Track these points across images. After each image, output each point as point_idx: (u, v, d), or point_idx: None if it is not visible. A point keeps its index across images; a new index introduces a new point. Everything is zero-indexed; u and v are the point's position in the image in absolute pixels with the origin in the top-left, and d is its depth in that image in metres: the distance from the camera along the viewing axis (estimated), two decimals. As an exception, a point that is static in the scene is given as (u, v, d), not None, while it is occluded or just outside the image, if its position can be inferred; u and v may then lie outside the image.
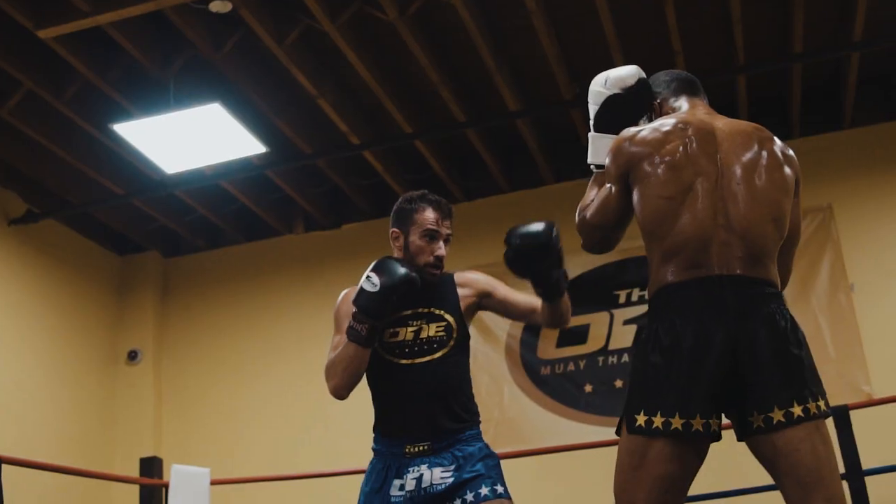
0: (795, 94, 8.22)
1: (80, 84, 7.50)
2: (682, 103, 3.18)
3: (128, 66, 7.42)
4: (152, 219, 9.68)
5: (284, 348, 9.69)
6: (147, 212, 9.40)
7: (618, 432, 2.87)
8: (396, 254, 3.67)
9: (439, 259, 3.59)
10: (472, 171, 9.53)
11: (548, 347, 8.94)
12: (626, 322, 8.81)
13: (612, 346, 8.78)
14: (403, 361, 3.52)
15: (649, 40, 7.79)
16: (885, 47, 8.14)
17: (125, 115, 7.59)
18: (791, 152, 3.01)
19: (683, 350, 2.70)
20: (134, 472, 7.72)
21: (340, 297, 3.77)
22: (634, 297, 8.84)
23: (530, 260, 3.40)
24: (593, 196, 3.08)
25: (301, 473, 8.43)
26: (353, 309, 3.47)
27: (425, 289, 3.56)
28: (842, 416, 5.92)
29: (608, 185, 3.00)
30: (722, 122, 3.00)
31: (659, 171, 2.86)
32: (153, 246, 10.20)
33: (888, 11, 7.72)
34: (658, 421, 2.71)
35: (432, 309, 3.59)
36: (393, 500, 3.42)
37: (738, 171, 2.86)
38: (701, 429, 2.70)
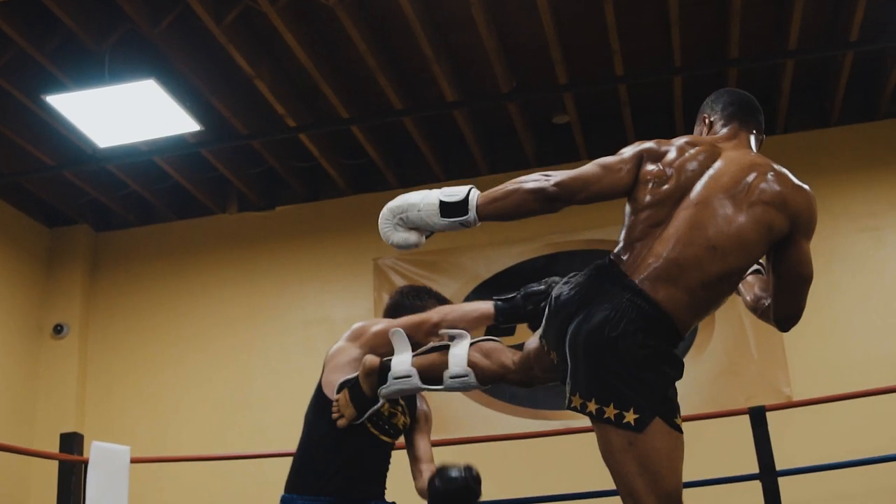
0: (730, 98, 8.29)
1: (14, 53, 7.40)
2: (725, 130, 3.21)
3: (63, 37, 7.32)
4: (84, 192, 9.57)
5: (212, 328, 9.65)
6: (79, 185, 9.30)
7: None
8: None
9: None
10: (408, 160, 9.55)
11: (475, 337, 8.95)
12: (555, 315, 8.85)
13: (540, 339, 8.81)
14: (374, 432, 3.71)
15: (588, 38, 7.84)
16: (819, 56, 8.27)
17: (59, 86, 7.50)
18: (800, 196, 3.00)
19: (561, 292, 3.06)
20: (55, 447, 7.64)
21: None
22: (563, 291, 8.88)
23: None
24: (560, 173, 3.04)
25: (223, 454, 8.41)
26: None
27: None
28: (758, 416, 6.02)
29: (613, 159, 3.08)
30: (732, 153, 3.06)
31: (650, 181, 3.00)
32: (84, 219, 10.09)
33: (824, 20, 7.84)
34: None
35: (407, 406, 3.88)
36: None
37: (709, 195, 2.93)
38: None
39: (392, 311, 3.93)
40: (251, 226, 9.94)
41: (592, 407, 2.77)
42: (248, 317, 9.55)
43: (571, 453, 8.19)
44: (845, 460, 6.72)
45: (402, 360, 3.27)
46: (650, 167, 3.00)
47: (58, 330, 9.76)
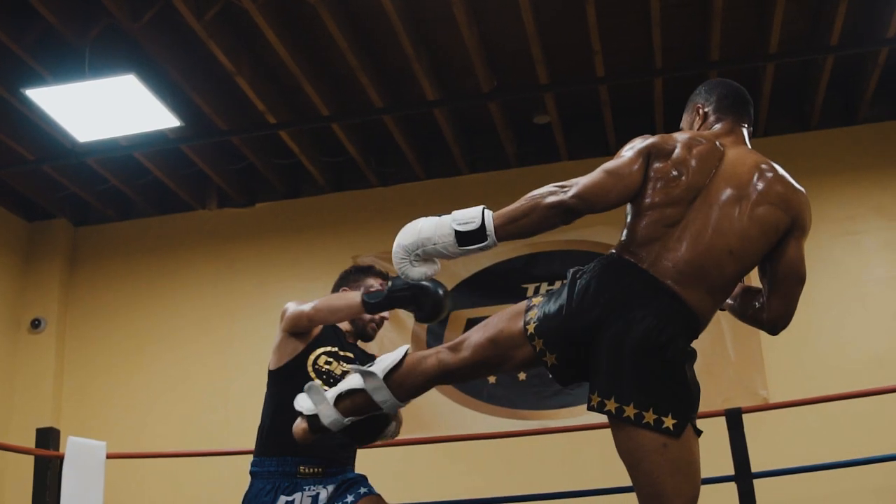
0: (710, 100, 8.32)
1: (-6, 47, 7.38)
2: (721, 124, 3.23)
3: (44, 31, 7.29)
4: (63, 186, 9.53)
5: (190, 325, 9.62)
6: (58, 179, 9.25)
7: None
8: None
9: (382, 321, 4.10)
10: (388, 158, 9.54)
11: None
12: (533, 315, 8.87)
13: (517, 339, 8.82)
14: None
15: (569, 38, 7.85)
16: (799, 60, 8.31)
17: (39, 80, 7.46)
18: (801, 197, 3.10)
19: (578, 288, 2.99)
20: (30, 442, 7.60)
21: None
22: (542, 291, 8.91)
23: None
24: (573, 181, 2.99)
25: (199, 451, 8.39)
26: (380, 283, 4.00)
27: (359, 349, 4.12)
28: (734, 418, 6.04)
29: (625, 159, 3.01)
30: (735, 151, 3.09)
31: (660, 179, 2.96)
32: (63, 214, 10.04)
33: (805, 24, 7.88)
34: (537, 343, 2.93)
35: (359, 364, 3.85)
36: None
37: (721, 197, 2.97)
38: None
39: (335, 287, 4.18)
40: (231, 222, 9.92)
41: (630, 412, 2.76)
42: (228, 313, 9.53)
43: (548, 453, 8.23)
44: (821, 463, 6.75)
45: (328, 415, 3.16)
46: (658, 165, 2.98)
47: (35, 324, 9.71)
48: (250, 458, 3.93)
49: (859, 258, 8.58)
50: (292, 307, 3.90)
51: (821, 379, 7.99)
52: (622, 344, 2.79)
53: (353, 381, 3.12)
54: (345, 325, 4.07)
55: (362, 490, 3.78)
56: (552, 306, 2.94)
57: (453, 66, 8.21)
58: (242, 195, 9.84)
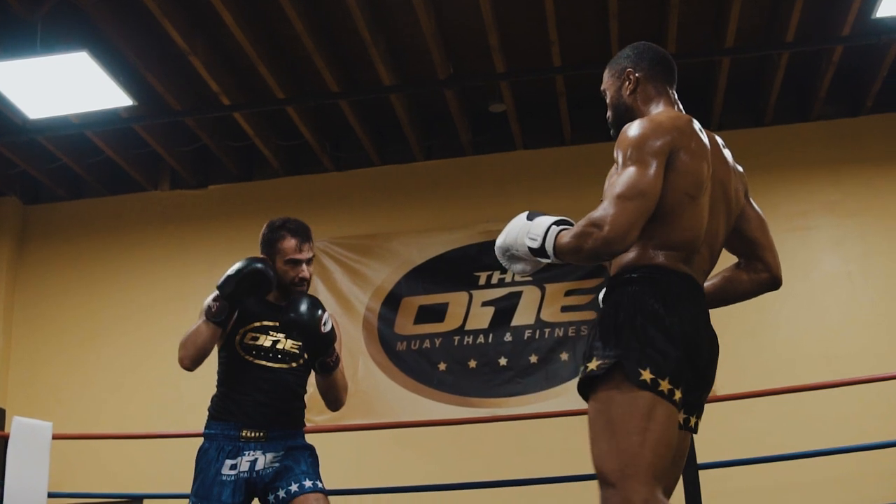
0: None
1: (-58, 20, 7.26)
2: (664, 97, 3.20)
3: (-6, 5, 7.20)
4: (13, 164, 9.41)
5: (141, 307, 9.55)
6: (7, 156, 9.12)
7: (592, 382, 2.75)
8: None
9: (303, 280, 4.14)
10: (343, 143, 9.52)
11: (405, 323, 8.98)
12: (485, 304, 8.89)
13: (468, 327, 8.85)
14: (259, 362, 4.03)
15: (526, 27, 7.84)
16: (755, 55, 8.35)
17: (-11, 55, 7.36)
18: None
19: (685, 332, 2.77)
20: (-26, 421, 7.55)
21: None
22: (494, 280, 8.93)
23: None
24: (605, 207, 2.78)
25: (146, 433, 8.34)
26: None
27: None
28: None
29: (646, 170, 2.79)
30: (703, 130, 3.04)
31: (689, 166, 2.86)
32: (12, 192, 9.92)
33: (761, 19, 7.92)
34: (664, 385, 2.68)
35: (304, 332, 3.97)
36: (223, 478, 3.88)
37: (727, 183, 3.02)
38: (682, 421, 2.84)
39: (260, 246, 4.30)
40: (183, 204, 9.85)
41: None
42: (179, 297, 9.45)
43: (498, 441, 8.25)
44: (768, 455, 6.80)
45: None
46: (679, 161, 2.85)
47: (-18, 303, 9.60)
48: (198, 440, 4.09)
49: (810, 254, 8.66)
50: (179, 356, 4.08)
51: (768, 372, 8.04)
52: (714, 354, 2.96)
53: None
54: (271, 296, 4.17)
55: (307, 484, 3.90)
56: (667, 350, 2.74)
57: (410, 53, 8.18)
58: (195, 177, 9.76)
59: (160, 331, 9.34)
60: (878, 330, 8.39)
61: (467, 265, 9.02)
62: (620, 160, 2.85)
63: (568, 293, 8.78)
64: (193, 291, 9.43)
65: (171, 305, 9.43)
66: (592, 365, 2.73)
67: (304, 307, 3.85)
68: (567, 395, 8.35)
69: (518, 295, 8.87)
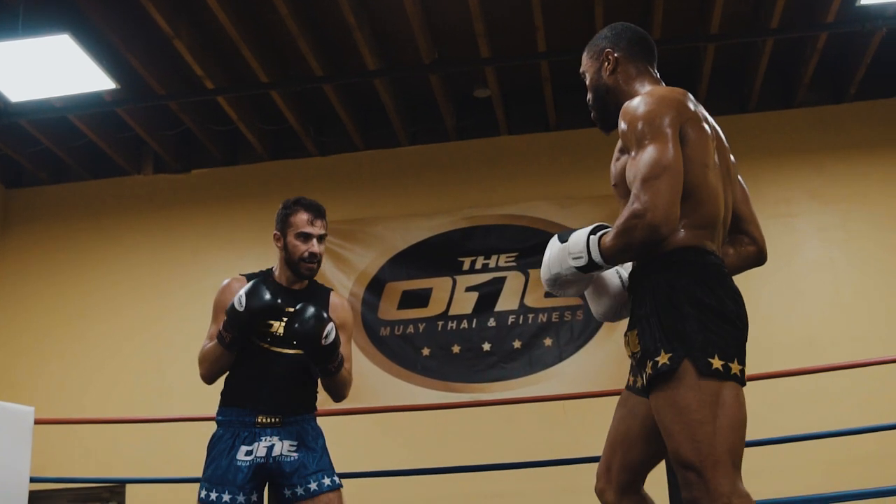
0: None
1: (-76, 2, 7.20)
2: (645, 72, 3.18)
3: (-25, -13, 7.15)
4: (-6, 147, 9.37)
5: (124, 291, 9.51)
6: (-11, 140, 9.10)
7: (660, 378, 2.76)
8: (279, 253, 4.21)
9: (312, 255, 4.15)
10: (327, 127, 9.49)
11: (389, 308, 8.97)
12: (469, 289, 8.89)
13: (452, 312, 8.86)
14: (274, 349, 4.04)
15: (512, 13, 7.82)
16: (740, 42, 8.36)
17: (-30, 37, 7.31)
18: None
19: (732, 309, 2.83)
20: (-44, 406, 7.50)
21: (221, 287, 4.27)
22: (478, 265, 8.93)
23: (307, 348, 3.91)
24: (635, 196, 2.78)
25: (128, 417, 8.32)
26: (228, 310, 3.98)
27: (305, 294, 4.17)
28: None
29: (665, 145, 2.79)
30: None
31: (699, 138, 2.88)
32: (-7, 175, 9.89)
33: (746, 6, 7.92)
34: (735, 368, 2.79)
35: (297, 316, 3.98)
36: (239, 463, 3.91)
37: (725, 154, 3.07)
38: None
39: (275, 224, 4.28)
40: (166, 188, 9.81)
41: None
42: (162, 282, 9.43)
43: (481, 426, 8.27)
44: (750, 440, 6.81)
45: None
46: (691, 130, 2.88)
47: (-37, 287, 9.56)
48: (180, 425, 4.06)
49: (792, 240, 8.68)
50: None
51: (751, 358, 8.03)
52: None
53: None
54: (281, 278, 4.20)
55: (326, 482, 3.97)
56: (725, 331, 2.83)
57: (395, 37, 8.16)
58: (178, 161, 9.72)
59: (143, 315, 9.32)
60: (861, 316, 8.42)
61: (451, 250, 9.01)
62: (635, 140, 2.84)
63: (552, 279, 8.78)
64: (177, 276, 9.45)
65: (154, 290, 9.41)
66: (662, 359, 2.75)
67: (308, 318, 3.84)
68: (550, 380, 8.37)
69: (502, 280, 8.88)
